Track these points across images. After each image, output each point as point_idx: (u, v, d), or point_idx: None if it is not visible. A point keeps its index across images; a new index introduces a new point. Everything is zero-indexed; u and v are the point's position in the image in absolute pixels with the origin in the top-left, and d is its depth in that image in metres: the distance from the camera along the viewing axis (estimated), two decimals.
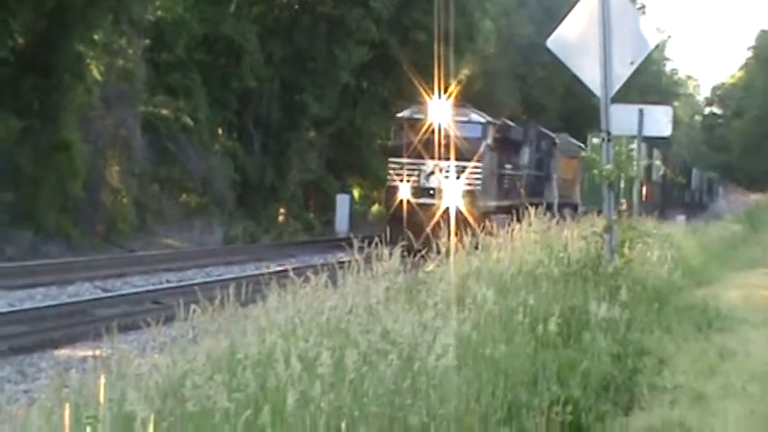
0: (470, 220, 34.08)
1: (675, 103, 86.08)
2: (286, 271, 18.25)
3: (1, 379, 19.22)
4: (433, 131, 39.36)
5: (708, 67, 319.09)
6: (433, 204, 38.71)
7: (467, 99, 61.38)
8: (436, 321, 12.66)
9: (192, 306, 12.60)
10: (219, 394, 9.02)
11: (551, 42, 22.60)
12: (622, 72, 21.69)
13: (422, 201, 40.08)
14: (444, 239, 15.84)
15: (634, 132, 32.17)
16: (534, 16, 77.44)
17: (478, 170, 41.23)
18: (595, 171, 23.50)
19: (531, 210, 37.13)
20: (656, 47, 32.74)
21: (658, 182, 65.45)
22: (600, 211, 34.19)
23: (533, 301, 17.25)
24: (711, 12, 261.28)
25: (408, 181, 41.28)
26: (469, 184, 40.05)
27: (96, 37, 50.80)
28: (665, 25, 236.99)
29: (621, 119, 27.08)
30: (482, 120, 44.43)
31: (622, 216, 26.26)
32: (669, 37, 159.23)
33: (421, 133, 40.44)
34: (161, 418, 8.07)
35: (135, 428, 8.04)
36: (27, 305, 28.91)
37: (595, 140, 70.69)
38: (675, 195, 75.77)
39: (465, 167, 39.64)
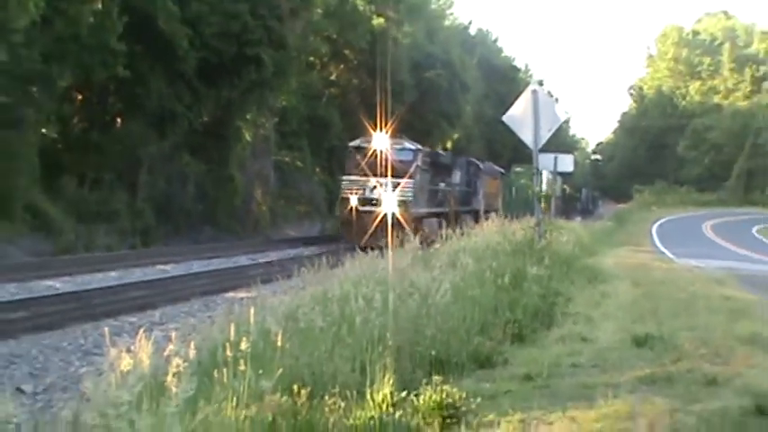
0: (404, 223, 30.44)
1: (575, 152, 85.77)
2: (354, 248, 18.31)
3: (195, 309, 19.28)
4: (375, 156, 35.62)
5: (594, 132, 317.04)
6: (374, 211, 34.74)
7: (456, 153, 61.07)
8: (440, 276, 12.71)
9: (302, 268, 12.79)
10: (317, 318, 9.25)
11: (505, 118, 22.72)
12: (545, 135, 21.81)
13: (366, 208, 36.17)
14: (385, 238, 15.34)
15: (552, 169, 32.33)
16: (494, 103, 76.84)
17: (410, 185, 37.21)
18: (530, 191, 23.59)
19: (492, 214, 36.46)
20: (564, 121, 32.33)
21: (562, 196, 63.88)
22: (517, 215, 33.93)
23: (495, 265, 17.34)
24: (596, 99, 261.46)
25: (356, 193, 37.30)
26: (402, 196, 36.00)
27: (248, 117, 50.99)
28: (570, 107, 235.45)
29: (545, 161, 27.35)
30: (412, 147, 40.17)
31: (545, 216, 26.41)
32: (570, 116, 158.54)
33: (367, 157, 36.56)
34: (285, 332, 8.09)
35: (270, 337, 8.06)
36: (210, 268, 29.11)
37: (517, 169, 70.33)
38: (573, 205, 75.32)
39: (399, 183, 35.73)
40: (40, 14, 31.87)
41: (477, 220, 37.48)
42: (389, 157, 34.95)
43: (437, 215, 41.53)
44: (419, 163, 38.76)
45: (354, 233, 33.88)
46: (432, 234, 24.64)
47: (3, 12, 30.07)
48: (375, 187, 35.79)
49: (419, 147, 40.36)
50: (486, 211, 49.79)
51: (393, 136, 37.27)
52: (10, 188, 32.88)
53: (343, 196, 38.18)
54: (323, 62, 59.72)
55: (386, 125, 37.77)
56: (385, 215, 31.73)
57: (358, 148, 38.34)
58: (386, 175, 33.96)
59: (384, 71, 58.91)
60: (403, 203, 34.12)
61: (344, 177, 38.99)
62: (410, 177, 36.47)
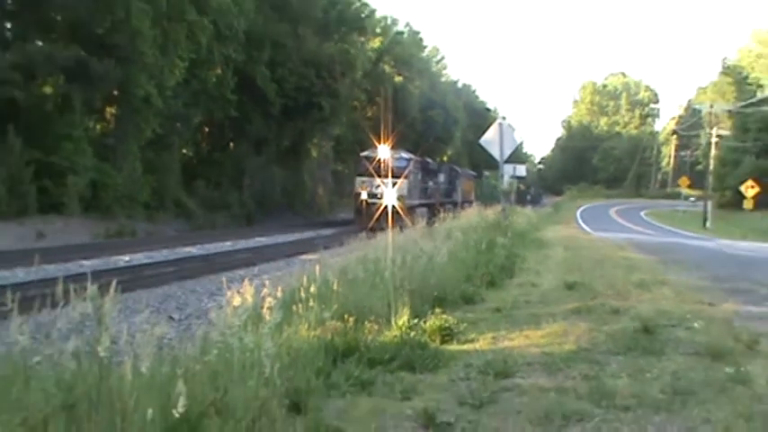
0: (400, 211, 27.26)
1: (527, 163, 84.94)
2: (383, 228, 18.09)
3: (281, 266, 19.09)
4: (380, 162, 33.06)
5: (538, 148, 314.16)
6: (378, 203, 31.34)
7: (448, 163, 60.55)
8: (440, 244, 12.62)
9: (350, 239, 12.66)
10: (360, 272, 9.12)
11: (481, 141, 22.09)
12: (507, 152, 21.32)
13: (372, 201, 33.00)
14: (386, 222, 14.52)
15: (511, 174, 32.10)
16: (474, 132, 75.31)
17: (405, 184, 33.64)
18: (498, 189, 23.38)
19: (473, 204, 35.50)
20: (519, 143, 31.32)
21: (517, 192, 62.42)
22: (488, 204, 33.06)
23: (476, 237, 17.19)
24: (540, 128, 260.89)
25: (365, 189, 34.21)
26: (399, 191, 31.81)
27: (315, 141, 50.94)
28: (524, 133, 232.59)
29: (507, 169, 27.41)
30: (406, 156, 36.70)
31: (508, 204, 26.17)
32: (524, 139, 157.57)
33: (374, 163, 33.42)
34: (339, 280, 8.04)
35: (329, 284, 8.02)
36: (290, 240, 28.91)
37: (486, 173, 69.57)
38: (525, 197, 74.34)
39: (396, 182, 31.73)
40: (183, 77, 32.48)
41: (456, 209, 36.11)
42: (390, 164, 33.15)
43: (426, 205, 38.83)
44: (411, 168, 35.95)
45: (364, 219, 31.39)
46: (423, 219, 23.56)
47: (160, 76, 30.66)
48: (379, 185, 33.05)
49: (412, 156, 37.82)
50: (463, 203, 48.13)
51: (393, 148, 35.28)
52: (164, 188, 33.38)
53: (356, 192, 35.36)
54: (362, 105, 59.41)
55: (388, 141, 36.11)
56: (386, 206, 28.69)
57: (367, 157, 35.29)
58: (387, 176, 31.79)
59: (401, 111, 58.93)
60: (400, 197, 31.45)
61: (357, 178, 35.79)
62: (405, 178, 33.84)
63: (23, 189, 25.42)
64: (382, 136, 37.64)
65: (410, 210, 32.10)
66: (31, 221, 25.09)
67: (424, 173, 40.29)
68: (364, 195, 34.24)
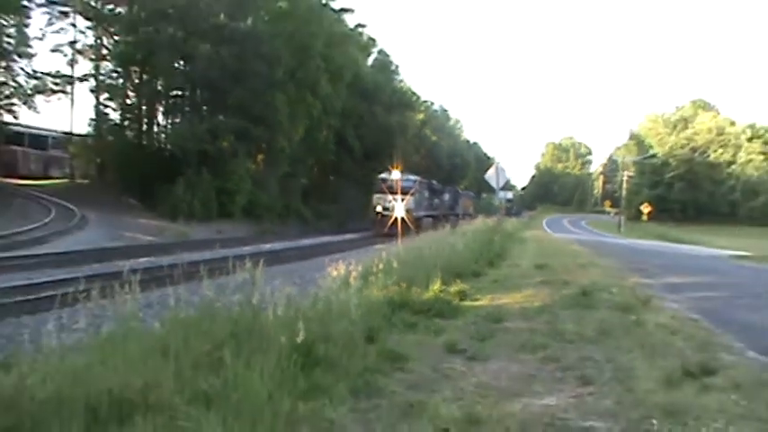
0: (408, 221, 24.83)
1: (513, 190, 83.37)
2: (426, 230, 17.55)
3: (360, 253, 18.67)
4: (392, 183, 28.20)
5: (520, 180, 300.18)
6: (391, 214, 27.27)
7: (467, 187, 59.32)
8: (459, 239, 12.44)
9: (403, 237, 12.40)
10: (410, 257, 8.96)
11: (486, 176, 21.58)
12: (501, 183, 20.82)
13: (386, 213, 27.86)
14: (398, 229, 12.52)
15: (502, 197, 31.29)
16: (480, 171, 74.27)
17: (411, 199, 28.14)
18: (494, 206, 22.79)
19: (476, 216, 31.77)
20: (508, 178, 29.98)
21: (507, 208, 60.06)
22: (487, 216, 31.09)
23: (481, 236, 16.85)
24: (522, 170, 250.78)
25: (381, 204, 28.42)
26: (407, 205, 27.58)
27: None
28: (510, 171, 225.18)
29: (501, 194, 26.34)
30: (413, 178, 30.11)
31: (501, 215, 25.61)
32: (510, 177, 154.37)
33: (387, 183, 28.39)
34: (398, 262, 7.98)
35: (391, 263, 7.86)
36: (365, 237, 28.23)
37: (483, 195, 67.93)
38: (511, 211, 72.28)
39: (405, 198, 27.65)
40: (302, 136, 33.11)
41: (458, 219, 31.54)
42: (400, 184, 28.57)
43: (432, 216, 33.28)
44: (417, 187, 30.36)
45: (379, 227, 27.20)
46: (428, 227, 20.33)
47: (290, 135, 31.24)
48: (391, 200, 28.49)
49: (418, 178, 31.37)
50: (464, 215, 42.86)
51: (402, 171, 30.36)
52: (291, 204, 33.82)
53: (374, 205, 29.42)
54: (411, 155, 58.95)
55: (398, 167, 31.02)
56: (396, 217, 26.19)
57: (383, 179, 29.62)
58: (397, 194, 27.80)
59: (434, 158, 58.40)
60: (407, 210, 27.34)
61: (375, 195, 29.76)
62: (411, 195, 28.90)
63: (210, 204, 26.52)
64: (395, 164, 32.11)
65: (417, 220, 28.23)
66: (214, 223, 25.96)
67: (430, 191, 35.20)
68: (379, 208, 28.89)
